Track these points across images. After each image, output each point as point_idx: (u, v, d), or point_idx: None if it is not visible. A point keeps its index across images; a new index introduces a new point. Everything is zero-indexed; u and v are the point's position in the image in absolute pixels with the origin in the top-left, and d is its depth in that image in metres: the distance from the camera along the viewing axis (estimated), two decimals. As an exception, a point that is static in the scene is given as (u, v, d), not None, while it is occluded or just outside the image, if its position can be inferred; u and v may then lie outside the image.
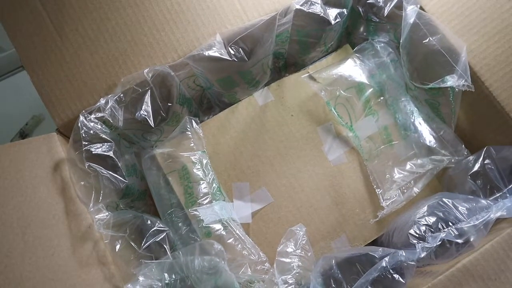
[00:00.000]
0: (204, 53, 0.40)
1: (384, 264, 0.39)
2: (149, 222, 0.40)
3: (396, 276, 0.39)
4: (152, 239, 0.40)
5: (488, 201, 0.41)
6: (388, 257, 0.39)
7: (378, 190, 0.48)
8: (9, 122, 0.72)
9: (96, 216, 0.38)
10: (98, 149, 0.40)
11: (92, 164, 0.39)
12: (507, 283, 0.37)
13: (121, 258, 0.39)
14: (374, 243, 0.49)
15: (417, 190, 0.47)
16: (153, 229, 0.40)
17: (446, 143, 0.48)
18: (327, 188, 0.49)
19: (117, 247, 0.39)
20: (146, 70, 0.41)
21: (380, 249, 0.41)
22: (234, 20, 0.44)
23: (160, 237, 0.40)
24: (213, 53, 0.40)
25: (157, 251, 0.40)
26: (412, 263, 0.39)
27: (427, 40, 0.43)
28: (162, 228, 0.40)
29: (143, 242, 0.39)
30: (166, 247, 0.39)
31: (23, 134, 0.72)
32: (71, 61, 0.43)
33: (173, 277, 0.36)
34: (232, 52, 0.41)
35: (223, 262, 0.38)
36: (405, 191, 0.47)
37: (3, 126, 0.72)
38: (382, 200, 0.47)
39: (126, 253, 0.40)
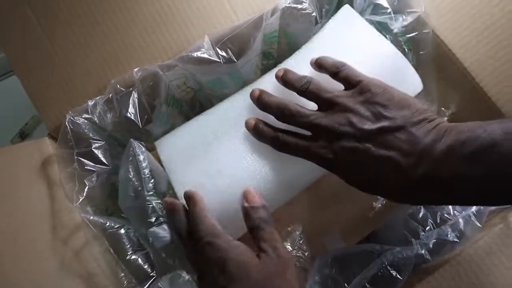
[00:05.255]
0: (193, 54, 0.40)
1: (381, 261, 0.39)
2: (126, 241, 0.40)
3: (393, 272, 0.39)
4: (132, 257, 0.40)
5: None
6: (385, 254, 0.40)
7: None
8: (9, 122, 0.72)
9: (85, 219, 0.38)
10: (86, 149, 0.40)
11: (79, 164, 0.40)
12: (500, 277, 0.37)
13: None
14: (369, 238, 0.49)
15: None
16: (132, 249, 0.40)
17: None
18: (319, 184, 0.48)
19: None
20: (135, 70, 0.41)
21: (377, 246, 0.41)
22: (224, 21, 0.44)
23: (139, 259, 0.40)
24: (202, 54, 0.40)
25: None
26: (410, 259, 0.39)
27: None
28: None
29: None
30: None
31: (23, 134, 0.71)
32: (61, 65, 0.43)
33: None
34: (220, 53, 0.41)
35: None
36: None
37: (3, 126, 0.72)
38: None
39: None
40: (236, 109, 0.42)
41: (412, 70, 0.41)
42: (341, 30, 0.43)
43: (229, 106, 0.42)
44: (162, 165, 0.41)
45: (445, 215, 0.44)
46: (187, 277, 0.36)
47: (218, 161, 0.40)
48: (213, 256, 0.33)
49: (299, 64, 0.42)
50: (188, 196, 0.37)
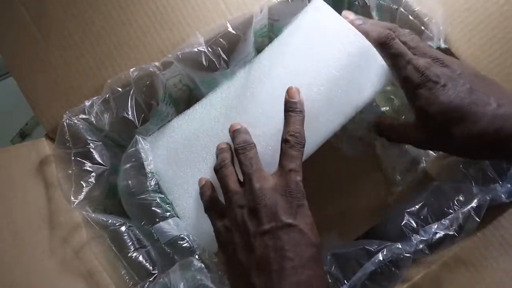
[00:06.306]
0: (185, 52, 0.41)
1: (380, 257, 0.39)
2: (127, 239, 0.40)
3: (392, 268, 0.39)
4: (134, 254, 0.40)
5: (481, 188, 0.41)
6: (384, 250, 0.39)
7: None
8: (9, 122, 0.71)
9: (86, 216, 0.38)
10: (83, 149, 0.40)
11: (77, 165, 0.40)
12: (498, 270, 0.37)
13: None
14: (368, 234, 0.49)
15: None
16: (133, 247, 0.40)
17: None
18: (314, 181, 0.48)
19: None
20: (131, 70, 0.41)
21: (376, 242, 0.41)
22: (219, 20, 0.44)
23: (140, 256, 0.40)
24: (195, 53, 0.41)
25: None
26: (408, 255, 0.39)
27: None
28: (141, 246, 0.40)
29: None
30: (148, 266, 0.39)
31: (23, 134, 0.71)
32: (57, 66, 0.43)
33: None
34: (212, 51, 0.41)
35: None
36: None
37: (3, 126, 0.72)
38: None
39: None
40: (216, 107, 0.43)
41: (381, 62, 0.40)
42: (311, 22, 0.42)
43: (208, 104, 0.43)
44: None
45: (444, 209, 0.44)
46: (199, 264, 0.36)
47: (203, 163, 0.41)
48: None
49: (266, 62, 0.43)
50: None
